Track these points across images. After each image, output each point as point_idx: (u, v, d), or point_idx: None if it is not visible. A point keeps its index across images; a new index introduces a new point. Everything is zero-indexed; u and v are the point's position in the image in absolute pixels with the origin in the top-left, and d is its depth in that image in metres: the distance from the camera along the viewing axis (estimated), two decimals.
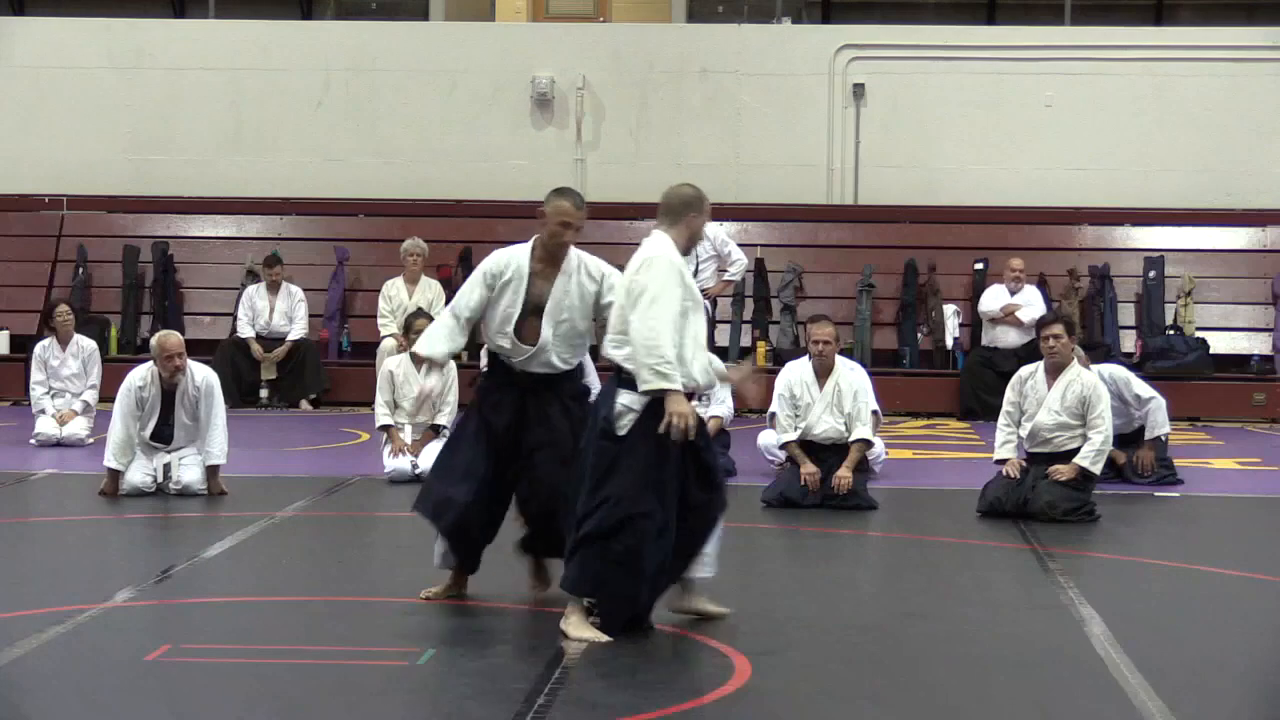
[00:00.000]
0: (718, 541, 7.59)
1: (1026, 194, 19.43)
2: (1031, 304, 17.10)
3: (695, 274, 16.82)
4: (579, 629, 7.20)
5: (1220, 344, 18.04)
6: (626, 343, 7.26)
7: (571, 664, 6.85)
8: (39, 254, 19.35)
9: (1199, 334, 17.94)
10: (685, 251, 7.42)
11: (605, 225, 19.40)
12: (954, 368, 17.94)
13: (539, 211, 7.89)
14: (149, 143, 19.97)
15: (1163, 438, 12.43)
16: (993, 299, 17.54)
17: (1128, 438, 12.30)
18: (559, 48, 19.92)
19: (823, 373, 11.44)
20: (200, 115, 19.94)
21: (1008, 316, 17.37)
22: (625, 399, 7.24)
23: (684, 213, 7.44)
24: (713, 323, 17.52)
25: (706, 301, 16.93)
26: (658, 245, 7.35)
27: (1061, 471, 10.75)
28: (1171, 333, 17.96)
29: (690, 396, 7.28)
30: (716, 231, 17.21)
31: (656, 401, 7.15)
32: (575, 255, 7.93)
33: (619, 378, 7.32)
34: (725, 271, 17.27)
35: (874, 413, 11.53)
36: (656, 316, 7.14)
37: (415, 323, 12.45)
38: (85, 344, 14.55)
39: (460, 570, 8.06)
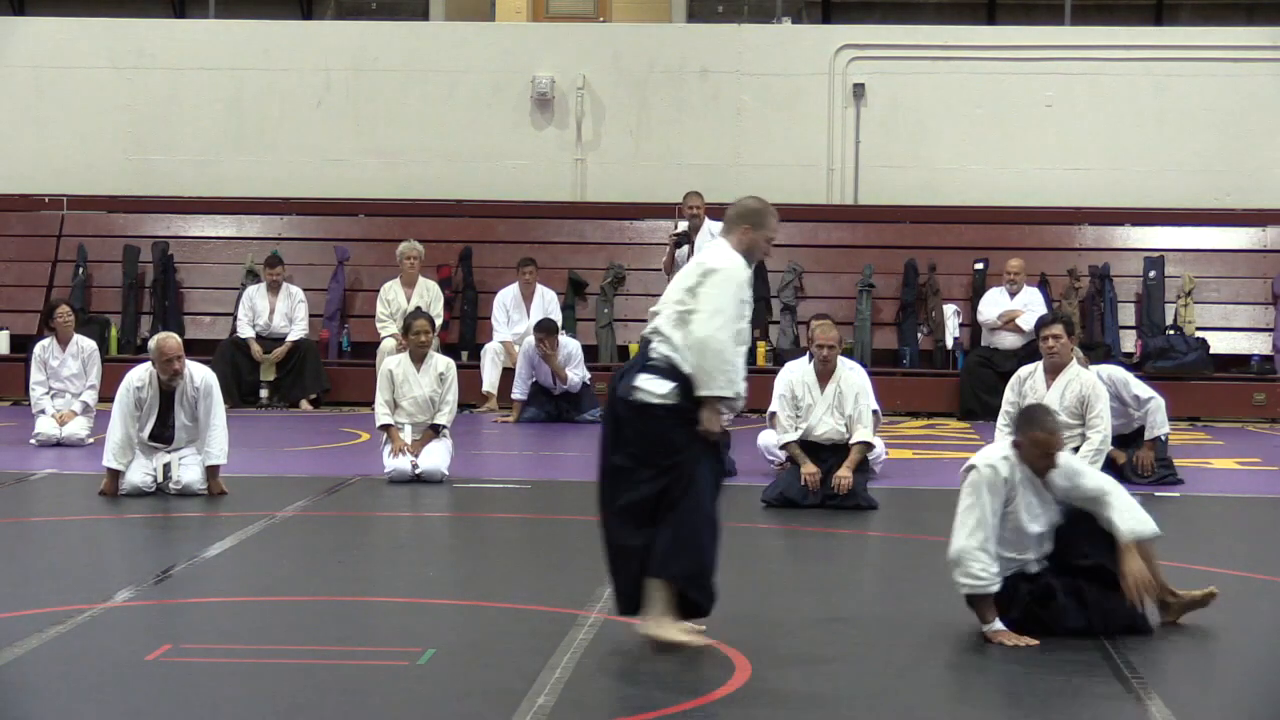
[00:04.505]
0: None
1: (1026, 194, 19.42)
2: (1031, 307, 17.08)
3: None
4: (668, 630, 7.16)
5: (1220, 344, 18.03)
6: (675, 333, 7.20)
7: (571, 664, 6.85)
8: (39, 254, 19.35)
9: (1199, 334, 17.93)
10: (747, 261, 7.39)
11: (605, 225, 19.47)
12: (954, 368, 17.94)
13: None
14: (149, 143, 19.97)
15: (1162, 438, 12.42)
16: (991, 307, 17.51)
17: (1127, 438, 12.29)
18: (559, 48, 19.92)
19: (824, 375, 11.43)
20: (200, 115, 19.94)
21: (1007, 324, 17.36)
22: (654, 385, 7.18)
23: (737, 224, 7.42)
24: None
25: None
26: (721, 254, 7.33)
27: None
28: (1171, 333, 17.95)
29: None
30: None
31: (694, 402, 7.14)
32: None
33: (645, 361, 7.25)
34: None
35: (874, 412, 11.54)
36: (723, 328, 7.14)
37: (415, 323, 12.44)
38: (85, 344, 14.54)
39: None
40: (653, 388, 7.16)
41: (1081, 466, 7.52)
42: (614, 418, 7.27)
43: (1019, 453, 7.37)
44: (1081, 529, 7.46)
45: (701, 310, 7.17)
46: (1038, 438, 7.30)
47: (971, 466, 7.43)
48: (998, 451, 7.46)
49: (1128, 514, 7.41)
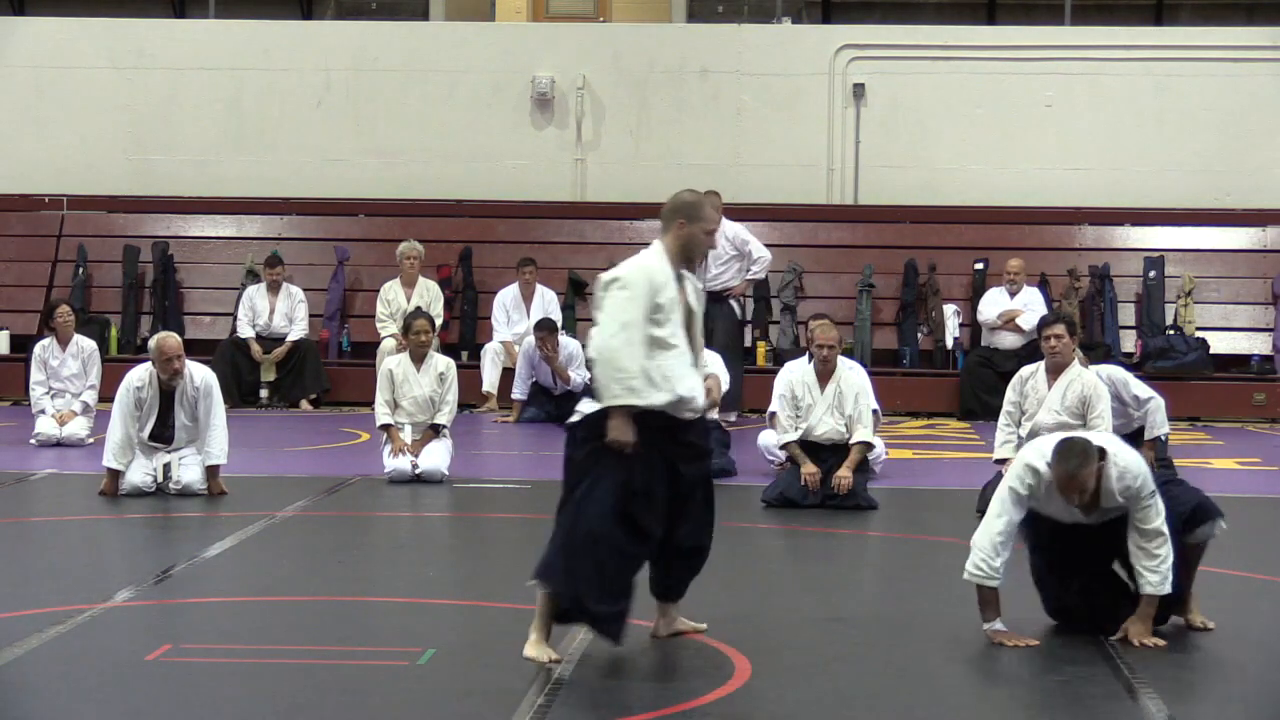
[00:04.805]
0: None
1: (1026, 194, 19.42)
2: (1031, 307, 17.08)
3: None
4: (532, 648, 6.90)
5: (1220, 344, 18.03)
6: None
7: (571, 664, 6.85)
8: (39, 254, 19.35)
9: (1199, 334, 17.93)
10: (685, 261, 7.12)
11: (605, 225, 19.47)
12: (954, 368, 17.93)
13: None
14: (149, 143, 19.97)
15: (1162, 438, 12.38)
16: (990, 307, 17.51)
17: (1127, 438, 12.20)
18: (559, 48, 19.92)
19: (824, 375, 11.43)
20: (200, 115, 19.94)
21: (1007, 324, 17.36)
22: (586, 408, 7.04)
23: (672, 220, 7.13)
24: (741, 323, 17.40)
25: (734, 301, 16.92)
26: (626, 262, 7.07)
27: None
28: (1171, 333, 17.95)
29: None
30: (736, 230, 17.00)
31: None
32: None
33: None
34: (749, 269, 17.09)
35: (874, 412, 11.53)
36: (616, 336, 6.86)
37: (415, 323, 12.45)
38: (85, 344, 14.54)
39: None
40: (584, 409, 7.03)
41: (1151, 501, 7.30)
42: (568, 442, 7.22)
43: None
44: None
45: (599, 323, 6.96)
46: (1058, 474, 7.27)
47: (1004, 460, 7.44)
48: (1034, 458, 7.41)
49: (1160, 569, 7.26)
